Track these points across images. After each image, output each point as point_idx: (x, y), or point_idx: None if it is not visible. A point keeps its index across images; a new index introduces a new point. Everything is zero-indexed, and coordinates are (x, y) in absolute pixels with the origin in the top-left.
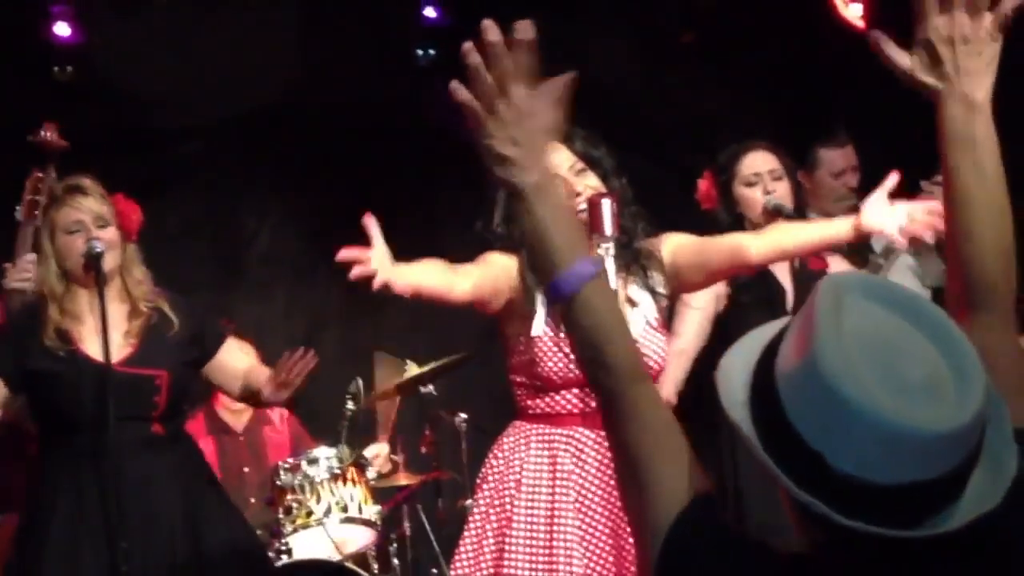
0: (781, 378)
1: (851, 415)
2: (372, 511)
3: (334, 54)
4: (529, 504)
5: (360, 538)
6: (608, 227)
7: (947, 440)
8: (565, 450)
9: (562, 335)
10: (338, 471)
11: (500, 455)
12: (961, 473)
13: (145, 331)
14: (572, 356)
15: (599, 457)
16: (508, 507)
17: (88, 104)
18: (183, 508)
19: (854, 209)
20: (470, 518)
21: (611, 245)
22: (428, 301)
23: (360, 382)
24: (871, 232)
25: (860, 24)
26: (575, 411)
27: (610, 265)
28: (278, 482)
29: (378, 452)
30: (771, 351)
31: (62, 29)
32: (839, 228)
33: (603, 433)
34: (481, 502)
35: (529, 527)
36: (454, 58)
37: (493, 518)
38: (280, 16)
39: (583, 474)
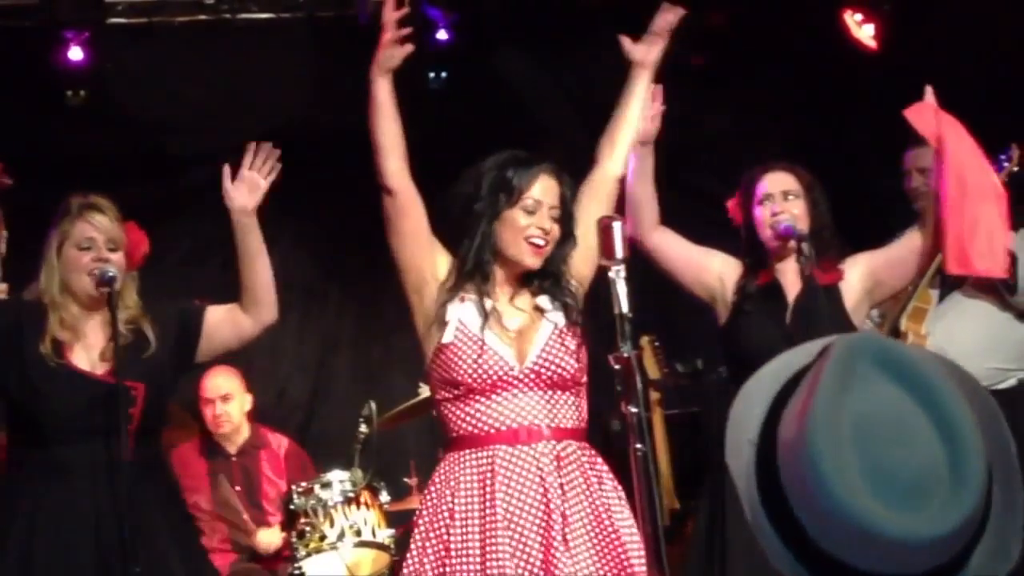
0: (780, 441)
1: (831, 506)
2: (385, 535)
3: (345, 78)
4: (463, 530)
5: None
6: (619, 250)
7: (924, 547)
8: (490, 469)
9: (471, 334)
10: (351, 495)
11: (432, 488)
12: (958, 564)
13: (121, 349)
14: (483, 357)
15: (522, 472)
16: (445, 537)
17: (100, 129)
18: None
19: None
20: (408, 554)
21: (622, 267)
22: (369, 123)
23: (373, 405)
24: None
25: (872, 45)
26: (502, 428)
27: (622, 288)
28: (291, 506)
29: None
30: (786, 395)
31: (75, 54)
32: None
33: (524, 447)
34: (417, 537)
35: (464, 554)
36: (466, 81)
37: (430, 551)
38: (291, 41)
39: (508, 490)
